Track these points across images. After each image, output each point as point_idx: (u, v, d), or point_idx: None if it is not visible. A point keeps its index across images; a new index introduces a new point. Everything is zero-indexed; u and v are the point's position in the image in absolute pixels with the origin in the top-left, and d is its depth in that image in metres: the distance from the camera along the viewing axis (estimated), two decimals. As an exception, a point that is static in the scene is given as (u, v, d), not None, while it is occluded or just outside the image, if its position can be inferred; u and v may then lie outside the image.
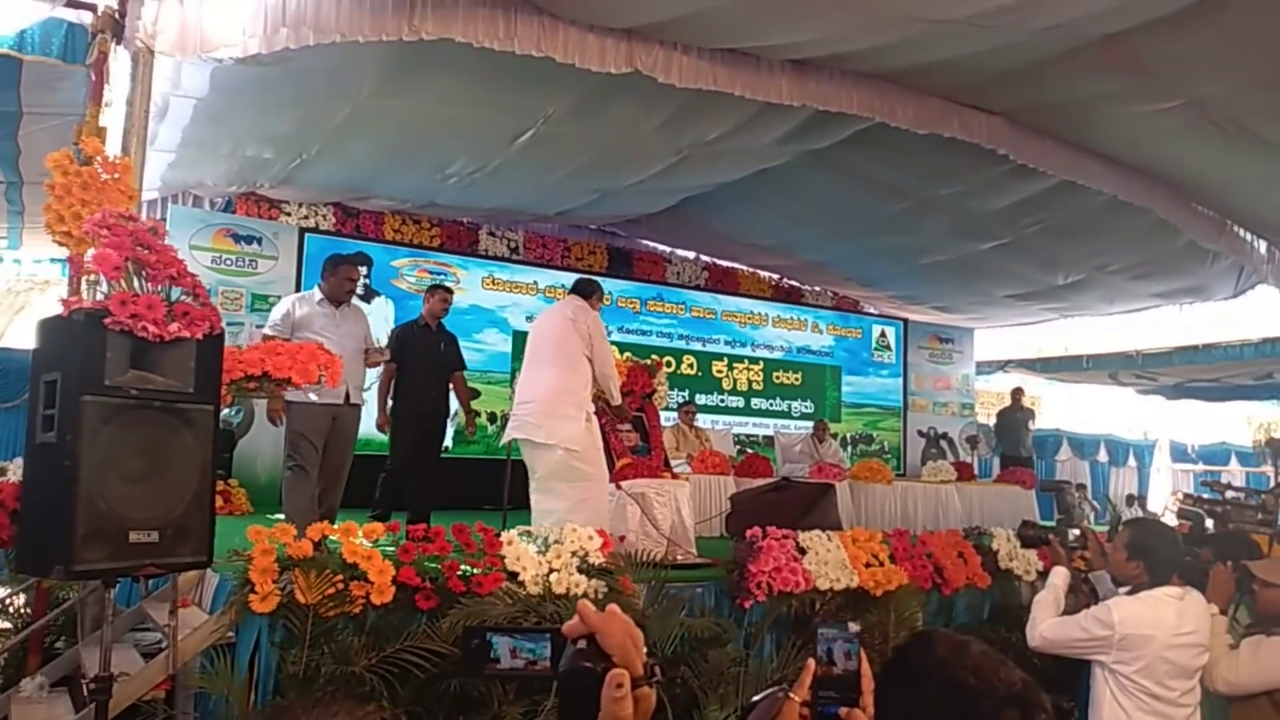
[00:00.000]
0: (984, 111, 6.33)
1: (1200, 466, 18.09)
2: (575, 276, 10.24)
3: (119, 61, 4.06)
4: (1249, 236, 8.39)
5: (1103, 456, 16.65)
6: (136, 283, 2.65)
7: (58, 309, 2.61)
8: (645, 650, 1.03)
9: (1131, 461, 17.10)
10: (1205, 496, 6.18)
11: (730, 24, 5.20)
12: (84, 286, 3.44)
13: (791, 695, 1.31)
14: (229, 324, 7.94)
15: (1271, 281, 8.86)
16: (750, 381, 11.55)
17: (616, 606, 1.05)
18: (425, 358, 6.10)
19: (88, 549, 2.39)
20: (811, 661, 1.31)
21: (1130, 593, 3.19)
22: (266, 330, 5.27)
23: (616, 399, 5.22)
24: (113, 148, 3.95)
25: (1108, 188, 7.04)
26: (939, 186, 7.86)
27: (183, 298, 2.69)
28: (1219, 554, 3.78)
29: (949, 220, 8.66)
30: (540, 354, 4.96)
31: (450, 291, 6.54)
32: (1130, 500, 15.06)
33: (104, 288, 2.79)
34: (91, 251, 2.69)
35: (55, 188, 3.27)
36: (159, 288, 2.65)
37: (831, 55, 5.56)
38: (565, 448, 4.66)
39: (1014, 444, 11.62)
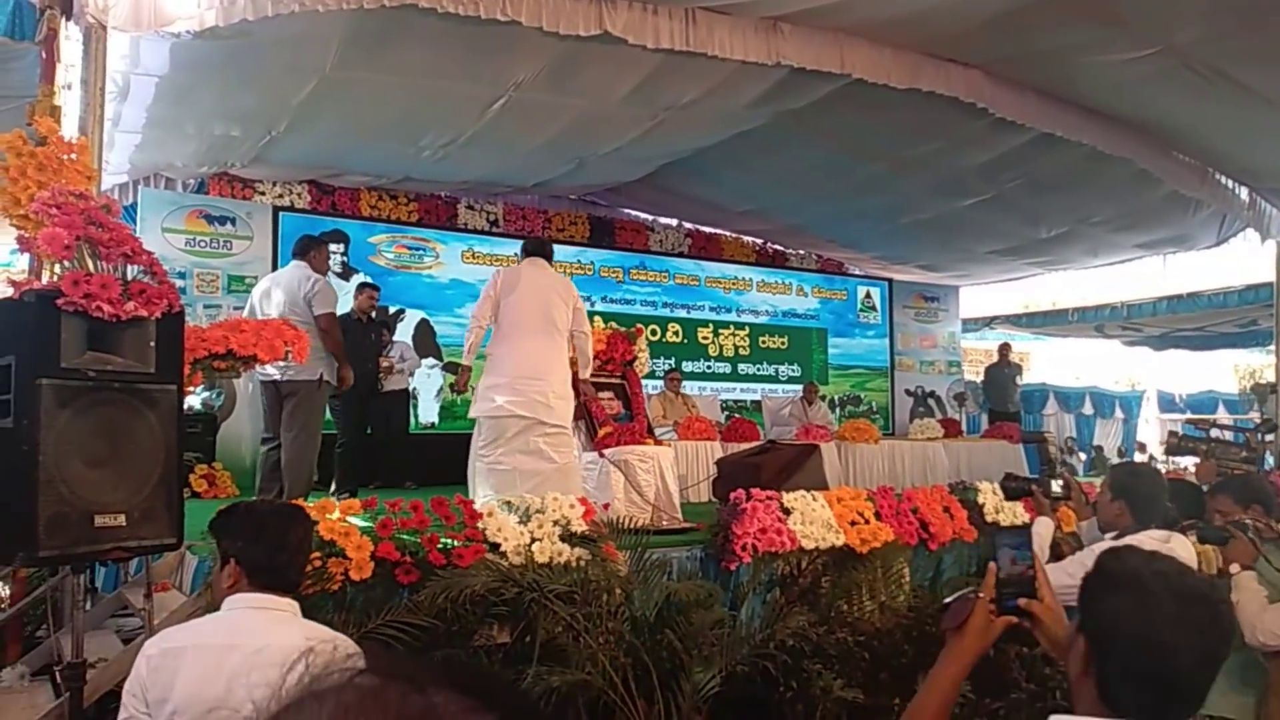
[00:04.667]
0: (961, 64, 6.26)
1: (1188, 416, 18.15)
2: (560, 249, 10.28)
3: (71, 38, 3.95)
4: (1230, 183, 8.35)
5: (1089, 409, 16.70)
6: (90, 262, 2.59)
7: (7, 291, 2.55)
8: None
9: (1119, 413, 17.16)
10: (1192, 435, 6.18)
11: (699, -19, 5.11)
12: (44, 269, 3.37)
13: (980, 595, 1.54)
14: (206, 306, 8.02)
15: (1254, 228, 8.84)
16: (736, 347, 11.52)
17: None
18: (359, 348, 6.76)
19: (52, 534, 2.34)
20: (993, 565, 1.56)
21: (1116, 538, 3.17)
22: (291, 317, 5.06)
23: (586, 374, 5.26)
24: (71, 128, 3.86)
25: (1088, 139, 6.99)
26: (918, 144, 7.80)
27: (139, 276, 2.63)
28: (1239, 499, 3.49)
29: (929, 178, 8.60)
30: (533, 323, 4.87)
31: (377, 289, 7.52)
32: (1119, 453, 15.15)
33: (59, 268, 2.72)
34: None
35: (9, 170, 3.17)
36: (114, 266, 2.59)
37: (804, 11, 5.47)
38: (563, 424, 4.85)
39: (1002, 400, 11.63)
